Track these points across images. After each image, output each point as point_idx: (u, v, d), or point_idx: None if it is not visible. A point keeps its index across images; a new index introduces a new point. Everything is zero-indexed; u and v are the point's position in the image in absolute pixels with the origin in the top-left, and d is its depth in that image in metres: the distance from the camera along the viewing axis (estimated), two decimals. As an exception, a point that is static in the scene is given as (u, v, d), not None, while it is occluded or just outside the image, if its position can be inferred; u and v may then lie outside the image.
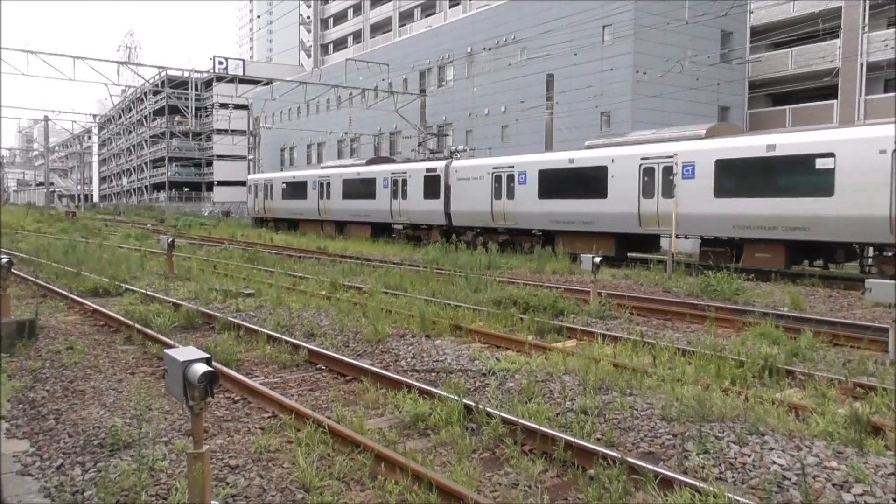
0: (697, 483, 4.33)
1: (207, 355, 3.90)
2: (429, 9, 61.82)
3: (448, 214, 26.74)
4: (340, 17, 75.86)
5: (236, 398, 6.82)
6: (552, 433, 5.25)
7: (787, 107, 37.17)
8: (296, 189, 37.13)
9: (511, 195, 23.84)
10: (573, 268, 18.19)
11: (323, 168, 36.58)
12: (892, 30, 32.58)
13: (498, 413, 5.71)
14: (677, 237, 19.44)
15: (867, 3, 32.66)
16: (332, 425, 5.50)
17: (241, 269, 17.76)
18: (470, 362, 7.98)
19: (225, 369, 7.38)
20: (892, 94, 33.51)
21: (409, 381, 6.88)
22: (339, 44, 75.71)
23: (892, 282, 8.22)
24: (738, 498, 4.11)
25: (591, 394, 6.43)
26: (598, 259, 11.98)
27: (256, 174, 46.14)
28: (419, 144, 33.66)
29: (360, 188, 31.73)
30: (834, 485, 4.52)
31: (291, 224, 38.79)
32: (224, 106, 60.64)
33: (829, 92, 34.87)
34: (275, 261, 19.81)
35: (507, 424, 5.54)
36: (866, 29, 33.09)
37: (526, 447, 5.34)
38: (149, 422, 5.91)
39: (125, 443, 5.42)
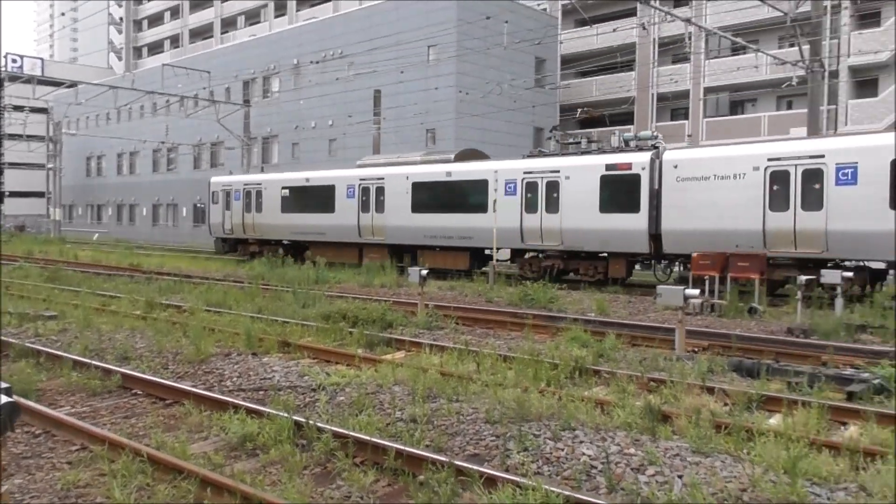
0: (518, 479, 4.65)
1: (7, 385, 3.59)
2: (253, 17, 60.20)
3: (656, 236, 17.43)
4: (156, 20, 71.57)
5: (37, 432, 6.24)
6: (383, 443, 5.38)
7: (593, 130, 40.52)
8: (310, 197, 25.72)
9: (813, 203, 15.10)
10: (401, 281, 18.54)
11: (363, 166, 25.01)
12: (677, 65, 36.77)
13: (329, 427, 5.74)
14: None
15: (657, 41, 36.60)
16: (152, 452, 5.23)
17: (40, 289, 16.14)
18: (299, 378, 7.91)
19: (22, 401, 6.72)
20: (679, 121, 37.77)
21: (236, 401, 6.69)
22: (155, 48, 71.36)
23: (679, 287, 9.30)
24: (552, 489, 4.47)
25: (419, 402, 6.65)
26: (424, 272, 12.35)
27: (225, 176, 31.17)
28: (552, 129, 23.14)
29: (454, 196, 21.37)
30: (632, 469, 5.06)
31: (294, 248, 26.77)
32: (18, 108, 54.75)
33: (627, 118, 38.55)
34: (80, 279, 18.23)
35: (338, 438, 5.58)
36: (656, 64, 37.07)
37: (357, 459, 5.41)
38: (-68, 463, 5.25)
39: None
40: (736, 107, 36.69)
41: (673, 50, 34.42)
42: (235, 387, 7.88)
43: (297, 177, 27.04)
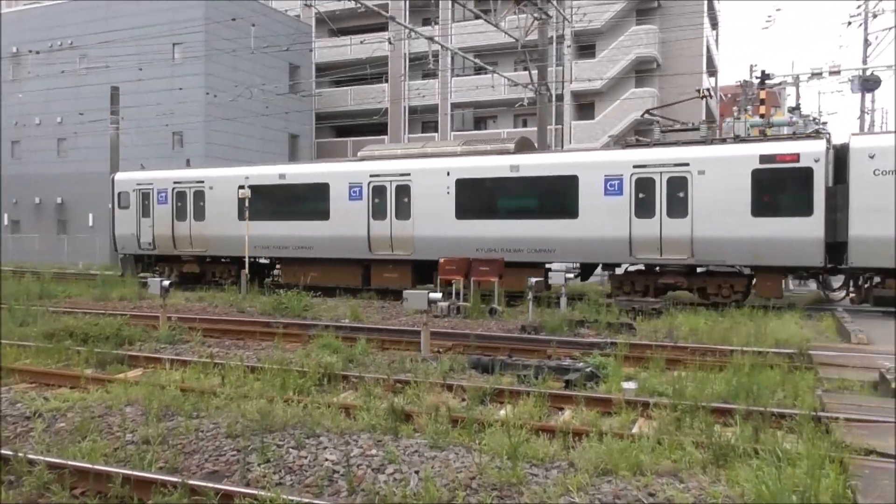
0: (256, 492, 4.56)
1: None
2: (-44, -7, 51.72)
3: (834, 245, 14.37)
4: None
5: None
6: (107, 469, 4.94)
7: (348, 139, 41.11)
8: (287, 199, 19.68)
9: None
10: (143, 293, 17.19)
11: (369, 158, 19.16)
12: (427, 80, 38.75)
13: (42, 459, 5.13)
14: None
15: (407, 56, 38.23)
16: None
17: None
18: (11, 406, 6.96)
19: None
20: (430, 133, 39.79)
21: (-78, 440, 5.70)
22: None
23: (424, 292, 9.80)
24: (291, 498, 4.46)
25: (154, 422, 6.22)
26: (166, 282, 11.59)
27: (138, 171, 23.08)
28: (647, 112, 19.44)
29: (524, 197, 16.87)
30: (373, 469, 5.23)
31: (250, 269, 19.90)
32: None
33: (382, 128, 39.71)
34: None
35: (54, 469, 5.02)
36: (406, 78, 38.70)
37: (77, 490, 4.92)
38: None
39: None
40: (479, 122, 39.61)
41: (421, 65, 36.22)
42: (-77, 424, 6.71)
43: (266, 172, 20.34)
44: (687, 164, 15.22)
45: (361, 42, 30.69)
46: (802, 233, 14.19)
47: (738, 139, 15.67)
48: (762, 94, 21.90)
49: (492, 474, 5.03)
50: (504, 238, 16.78)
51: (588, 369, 8.30)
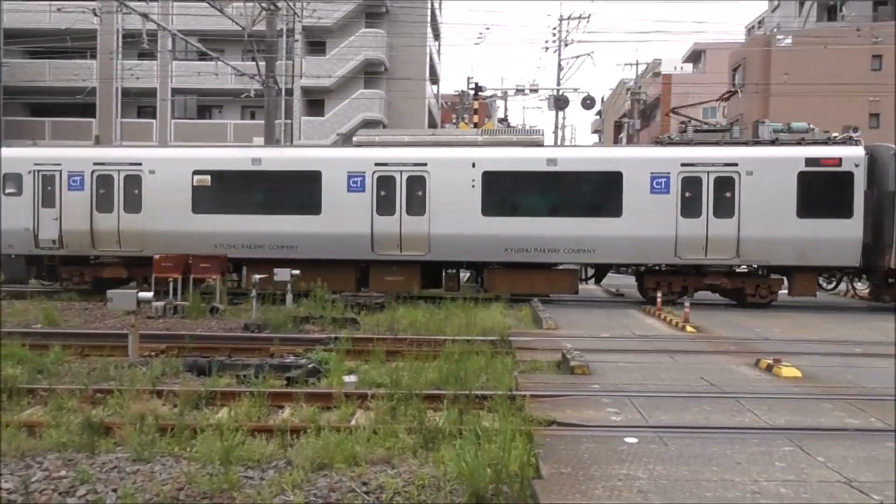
0: None
1: None
2: None
3: (883, 247, 15.08)
4: None
5: None
6: None
7: (46, 119, 36.21)
8: (264, 189, 16.63)
9: None
10: None
11: (369, 145, 16.78)
12: (141, 61, 35.62)
13: None
14: None
15: (120, 32, 34.71)
16: None
17: None
18: None
19: None
20: (147, 119, 36.66)
21: None
22: None
23: (132, 291, 8.98)
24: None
25: None
26: None
27: (38, 149, 18.36)
28: (674, 110, 17.72)
29: (562, 192, 16.01)
30: (60, 493, 4.65)
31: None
32: None
33: (89, 110, 35.60)
34: None
35: None
36: (120, 56, 35.16)
37: None
38: None
39: None
40: (204, 111, 37.44)
41: (137, 44, 33.20)
42: None
43: (233, 155, 17.35)
44: (735, 165, 15.44)
45: (59, 10, 27.08)
46: (843, 234, 15.08)
47: (779, 143, 16.11)
48: (476, 105, 23.85)
49: (203, 482, 4.78)
50: (537, 237, 15.78)
51: (311, 365, 8.29)
